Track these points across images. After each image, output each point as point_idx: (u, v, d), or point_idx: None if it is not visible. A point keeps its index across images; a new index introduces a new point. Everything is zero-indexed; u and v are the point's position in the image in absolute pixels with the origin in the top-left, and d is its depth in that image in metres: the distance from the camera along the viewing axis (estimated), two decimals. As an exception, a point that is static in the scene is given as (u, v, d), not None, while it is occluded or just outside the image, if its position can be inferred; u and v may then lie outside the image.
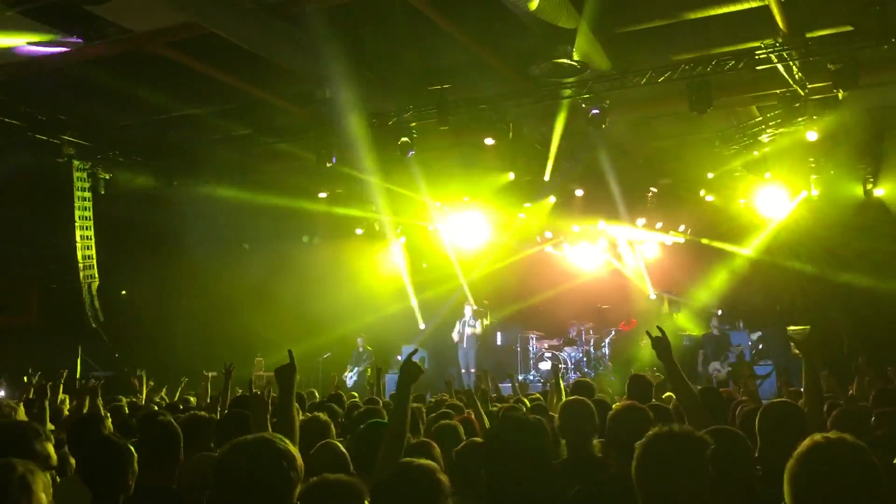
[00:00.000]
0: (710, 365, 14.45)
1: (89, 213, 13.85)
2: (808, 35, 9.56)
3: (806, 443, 2.33)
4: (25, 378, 7.87)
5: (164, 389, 11.05)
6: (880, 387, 7.18)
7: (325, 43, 9.85)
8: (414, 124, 12.05)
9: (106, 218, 14.20)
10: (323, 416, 5.06)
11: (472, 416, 5.93)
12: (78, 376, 8.88)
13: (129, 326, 15.92)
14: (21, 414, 5.43)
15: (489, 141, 12.27)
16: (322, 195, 16.08)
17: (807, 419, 4.10)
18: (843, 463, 2.25)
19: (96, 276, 13.97)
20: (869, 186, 13.92)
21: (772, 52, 9.63)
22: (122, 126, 13.19)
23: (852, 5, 8.81)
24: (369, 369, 14.65)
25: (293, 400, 3.96)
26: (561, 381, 7.70)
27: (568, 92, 11.03)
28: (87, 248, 13.79)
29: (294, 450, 2.42)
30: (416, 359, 3.99)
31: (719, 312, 16.61)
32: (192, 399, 9.82)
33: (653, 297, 17.45)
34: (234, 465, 2.35)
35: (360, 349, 17.01)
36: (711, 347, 14.67)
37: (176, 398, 10.35)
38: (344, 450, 4.06)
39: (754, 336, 14.28)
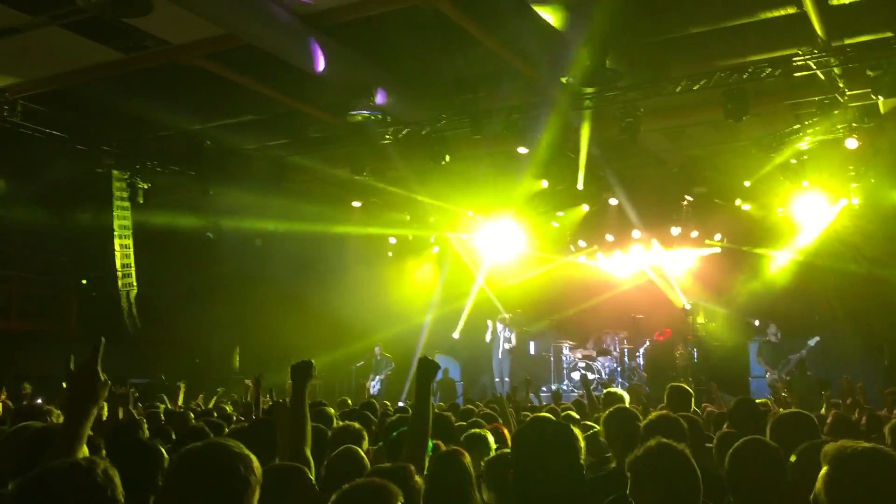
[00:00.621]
0: (769, 374, 14.20)
1: (128, 223, 14.06)
2: (848, 41, 9.42)
3: (839, 449, 2.31)
4: (64, 384, 7.99)
5: (200, 397, 11.19)
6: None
7: (359, 53, 9.95)
8: (447, 133, 12.07)
9: (145, 227, 14.42)
10: (356, 424, 5.09)
11: (503, 426, 5.93)
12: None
13: (166, 334, 16.14)
14: (59, 418, 5.52)
15: (522, 150, 12.24)
16: (356, 204, 16.17)
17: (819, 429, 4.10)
18: (882, 470, 2.24)
19: (135, 284, 14.17)
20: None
21: (809, 59, 9.49)
22: (160, 136, 13.39)
23: (892, 11, 8.66)
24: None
25: (305, 398, 4.00)
26: (592, 393, 7.67)
27: (601, 100, 10.98)
28: (126, 257, 14.00)
29: (250, 454, 2.32)
30: (440, 369, 4.04)
31: (756, 322, 16.41)
32: (227, 407, 9.91)
33: (688, 307, 17.26)
34: (186, 471, 2.27)
35: (378, 357, 17.08)
36: (768, 355, 14.39)
37: (211, 405, 10.47)
38: (363, 454, 4.09)
39: (811, 342, 13.97)
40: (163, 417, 7.72)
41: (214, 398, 11.23)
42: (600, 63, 9.20)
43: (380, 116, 11.09)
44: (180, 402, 9.82)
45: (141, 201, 14.18)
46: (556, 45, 9.33)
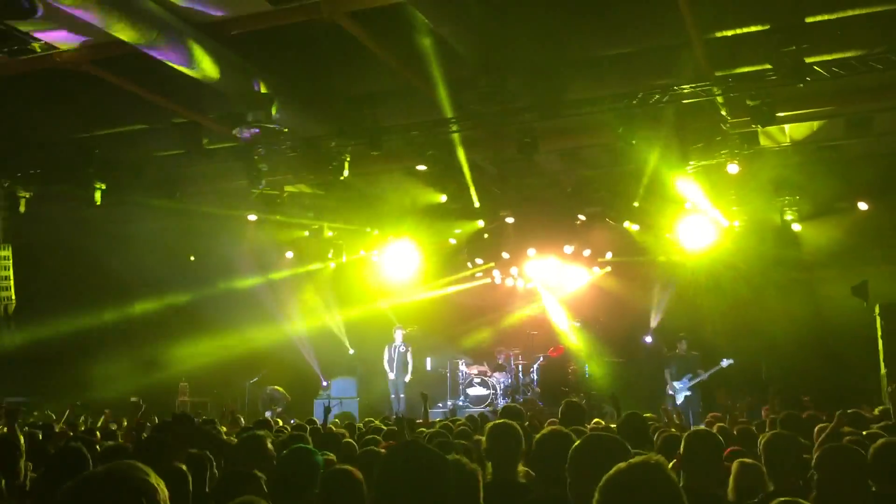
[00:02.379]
0: (670, 385, 14.48)
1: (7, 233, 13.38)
2: (730, 72, 9.92)
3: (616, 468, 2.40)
4: None
5: (81, 418, 10.77)
6: (787, 413, 7.48)
7: (256, 65, 9.81)
8: (345, 150, 12.00)
9: (25, 238, 13.75)
10: (261, 431, 5.14)
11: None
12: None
13: (45, 351, 15.41)
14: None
15: (421, 167, 12.33)
16: (252, 217, 15.83)
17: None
18: (647, 485, 2.35)
19: (13, 298, 13.47)
20: (787, 218, 14.44)
21: (695, 87, 9.95)
22: (44, 143, 12.80)
23: (770, 45, 9.16)
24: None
25: None
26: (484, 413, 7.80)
27: (498, 120, 11.15)
28: (5, 269, 13.31)
29: (157, 482, 2.05)
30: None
31: (647, 339, 16.98)
32: (112, 426, 9.60)
33: (577, 324, 17.70)
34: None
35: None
36: (675, 367, 14.66)
37: (99, 424, 10.12)
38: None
39: (724, 363, 14.25)
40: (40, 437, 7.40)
41: (102, 419, 10.79)
42: (497, 84, 9.37)
43: (275, 128, 10.92)
44: (60, 425, 9.36)
45: (22, 210, 13.51)
46: (453, 65, 9.45)
